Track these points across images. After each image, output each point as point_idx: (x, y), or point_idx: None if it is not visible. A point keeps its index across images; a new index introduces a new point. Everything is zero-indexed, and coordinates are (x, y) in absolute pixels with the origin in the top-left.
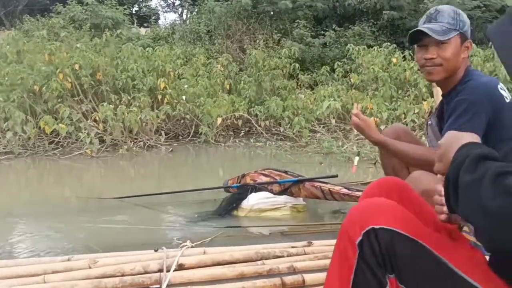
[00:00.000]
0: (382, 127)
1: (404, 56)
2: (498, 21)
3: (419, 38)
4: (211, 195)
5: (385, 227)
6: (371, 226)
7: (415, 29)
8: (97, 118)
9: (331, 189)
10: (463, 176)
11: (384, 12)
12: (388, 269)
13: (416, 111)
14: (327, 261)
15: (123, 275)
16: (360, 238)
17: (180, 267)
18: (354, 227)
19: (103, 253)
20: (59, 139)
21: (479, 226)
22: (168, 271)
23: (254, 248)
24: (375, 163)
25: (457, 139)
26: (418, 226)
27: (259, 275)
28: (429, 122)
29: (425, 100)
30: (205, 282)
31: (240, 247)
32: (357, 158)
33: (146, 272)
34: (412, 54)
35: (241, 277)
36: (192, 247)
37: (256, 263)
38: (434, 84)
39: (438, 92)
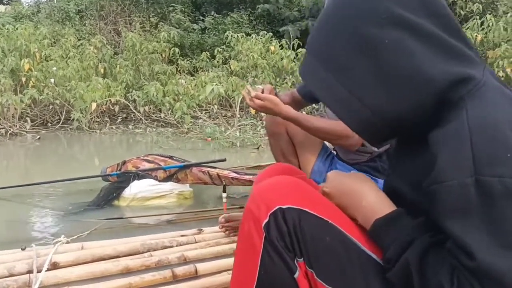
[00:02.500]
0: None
1: (281, 45)
2: (302, 61)
3: None
4: (87, 185)
5: (292, 206)
6: (278, 206)
7: None
8: None
9: (219, 174)
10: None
11: (258, 6)
12: (297, 252)
13: None
14: (220, 248)
15: None
16: (266, 220)
17: (55, 266)
18: (260, 208)
19: None
20: None
21: None
22: (39, 271)
23: (140, 240)
24: (258, 148)
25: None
26: (324, 204)
27: (147, 268)
28: None
29: None
30: (86, 280)
31: (124, 239)
32: (224, 195)
33: (11, 275)
34: (288, 42)
35: (126, 272)
36: (67, 242)
37: (143, 256)
38: None
39: None
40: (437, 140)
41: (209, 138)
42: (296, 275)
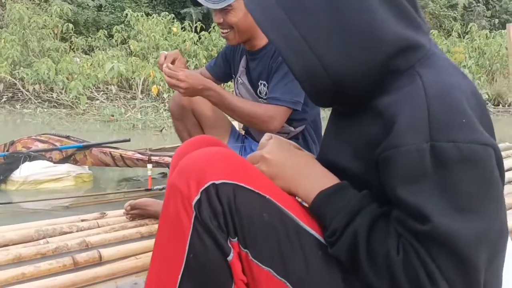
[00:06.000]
0: (165, 95)
1: (183, 27)
2: None
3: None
4: None
5: (227, 181)
6: (211, 182)
7: None
8: None
9: (122, 155)
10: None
11: None
12: (231, 232)
13: None
14: (126, 232)
15: None
16: (197, 197)
17: None
18: (189, 183)
19: None
20: None
21: None
22: None
23: (34, 226)
24: (161, 130)
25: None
26: (259, 177)
27: (43, 256)
28: (240, 81)
29: None
30: None
31: (15, 225)
32: (149, 166)
33: None
34: (191, 25)
35: (18, 261)
36: None
37: (38, 243)
38: None
39: None
40: (391, 105)
41: (112, 117)
42: (230, 258)
